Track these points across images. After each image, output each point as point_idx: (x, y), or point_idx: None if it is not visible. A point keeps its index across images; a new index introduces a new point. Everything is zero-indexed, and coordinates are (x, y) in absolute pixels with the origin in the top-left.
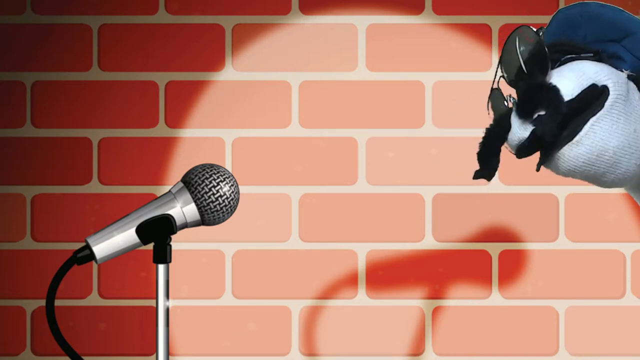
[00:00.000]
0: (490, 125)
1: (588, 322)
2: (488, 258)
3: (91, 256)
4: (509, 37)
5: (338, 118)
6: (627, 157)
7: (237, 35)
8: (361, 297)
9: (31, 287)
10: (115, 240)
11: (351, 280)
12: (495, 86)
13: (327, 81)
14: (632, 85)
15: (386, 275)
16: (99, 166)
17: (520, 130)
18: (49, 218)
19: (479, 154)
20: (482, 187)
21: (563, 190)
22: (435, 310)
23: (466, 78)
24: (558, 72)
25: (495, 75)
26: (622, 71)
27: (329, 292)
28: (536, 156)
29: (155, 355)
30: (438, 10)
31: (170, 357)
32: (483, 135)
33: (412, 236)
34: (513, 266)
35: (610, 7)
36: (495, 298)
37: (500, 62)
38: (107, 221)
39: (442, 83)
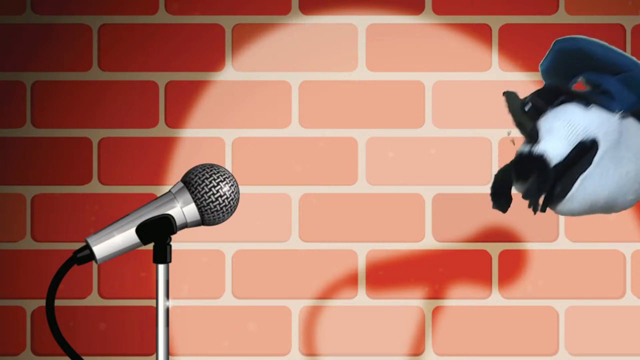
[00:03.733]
0: (497, 174)
1: (588, 322)
2: (488, 258)
3: (91, 256)
4: (504, 96)
5: (338, 118)
6: (621, 198)
7: (237, 35)
8: (361, 297)
9: (31, 287)
10: (115, 240)
11: (351, 280)
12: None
13: (327, 81)
14: (627, 123)
15: (386, 275)
16: (99, 166)
17: (519, 187)
18: (49, 218)
19: (491, 195)
20: (482, 187)
21: None
22: (435, 310)
23: (466, 78)
24: (550, 126)
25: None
26: (615, 112)
27: (329, 292)
28: None
29: (155, 355)
30: (438, 10)
31: (170, 357)
32: (493, 179)
33: (412, 236)
34: (513, 266)
35: (600, 45)
36: (495, 298)
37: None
38: (107, 221)
39: (442, 83)
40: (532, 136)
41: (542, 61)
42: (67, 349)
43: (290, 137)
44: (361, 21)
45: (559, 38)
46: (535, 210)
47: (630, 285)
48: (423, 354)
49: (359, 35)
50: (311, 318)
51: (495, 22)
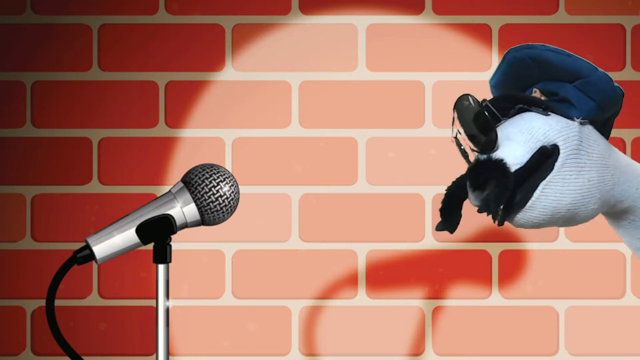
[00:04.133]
0: (449, 187)
1: (588, 322)
2: (488, 258)
3: (91, 256)
4: (456, 103)
5: (338, 118)
6: (583, 207)
7: (237, 35)
8: (361, 297)
9: (31, 287)
10: (115, 240)
11: (351, 280)
12: (453, 135)
13: (327, 81)
14: (586, 130)
15: (386, 275)
16: (99, 166)
17: (475, 200)
18: (49, 218)
19: (441, 210)
20: None
21: None
22: (435, 310)
23: (466, 78)
24: (507, 133)
25: (453, 126)
26: (574, 119)
27: (329, 292)
28: None
29: (155, 355)
30: (438, 10)
31: (170, 357)
32: (444, 193)
33: (412, 236)
34: (513, 266)
35: (556, 51)
36: (495, 298)
37: (454, 120)
38: (107, 221)
39: (442, 83)
40: (487, 147)
41: (492, 76)
42: (67, 349)
43: (290, 137)
44: (361, 21)
45: (512, 47)
46: (495, 219)
47: (630, 285)
48: (423, 354)
49: (359, 35)
50: (311, 318)
51: (495, 22)
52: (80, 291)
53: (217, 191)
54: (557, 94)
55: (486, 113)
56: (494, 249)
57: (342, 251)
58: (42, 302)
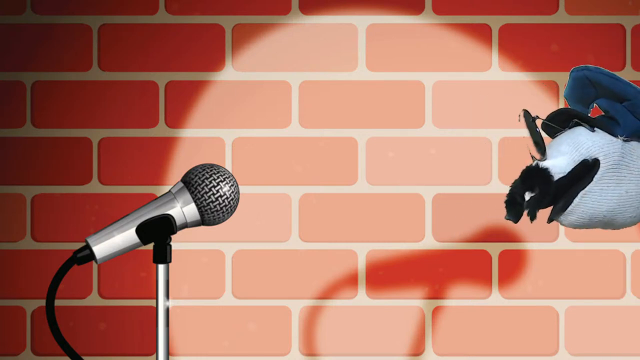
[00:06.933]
0: (512, 183)
1: (588, 322)
2: (488, 258)
3: (91, 256)
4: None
5: (338, 118)
6: (620, 215)
7: (237, 35)
8: (361, 297)
9: (31, 287)
10: (115, 240)
11: (351, 280)
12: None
13: (327, 81)
14: (630, 146)
15: (386, 275)
16: (99, 166)
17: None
18: (49, 218)
19: (505, 202)
20: (482, 187)
21: None
22: (435, 310)
23: (466, 78)
24: (558, 144)
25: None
26: (618, 137)
27: (329, 292)
28: None
29: (155, 355)
30: (438, 10)
31: (170, 357)
32: (508, 190)
33: (412, 236)
34: (513, 266)
35: (607, 74)
36: (495, 298)
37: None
38: (107, 221)
39: (442, 83)
40: (543, 153)
41: (565, 89)
42: (67, 349)
43: (290, 137)
44: (361, 21)
45: (575, 67)
46: (532, 219)
47: (630, 285)
48: (423, 354)
49: (359, 35)
50: (311, 318)
51: (495, 22)
52: (80, 291)
53: (217, 191)
54: (608, 112)
55: (538, 130)
56: (494, 249)
57: (342, 251)
58: (42, 302)
